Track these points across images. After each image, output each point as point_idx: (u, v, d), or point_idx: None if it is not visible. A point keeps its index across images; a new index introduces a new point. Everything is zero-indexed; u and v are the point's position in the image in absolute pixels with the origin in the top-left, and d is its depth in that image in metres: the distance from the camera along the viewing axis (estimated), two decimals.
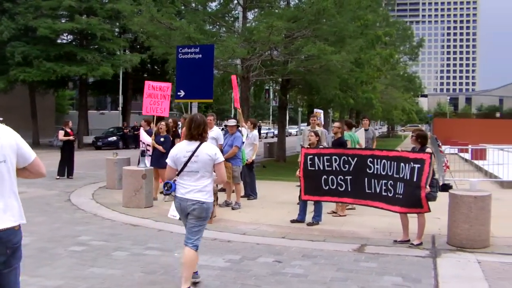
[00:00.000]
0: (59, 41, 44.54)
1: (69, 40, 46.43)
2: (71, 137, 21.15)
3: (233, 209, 13.78)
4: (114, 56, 43.23)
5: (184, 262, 6.97)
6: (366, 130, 16.87)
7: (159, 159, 14.98)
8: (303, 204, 12.10)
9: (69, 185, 18.62)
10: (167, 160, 7.35)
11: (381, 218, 12.27)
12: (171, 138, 15.41)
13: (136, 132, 17.31)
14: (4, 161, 4.05)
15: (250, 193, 15.60)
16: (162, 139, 15.10)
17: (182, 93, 14.33)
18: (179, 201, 7.06)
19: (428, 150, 10.14)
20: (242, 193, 15.01)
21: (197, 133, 7.04)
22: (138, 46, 47.76)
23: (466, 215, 9.68)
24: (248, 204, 14.40)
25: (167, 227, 11.58)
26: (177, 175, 7.12)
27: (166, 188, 7.15)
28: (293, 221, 12.05)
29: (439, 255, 9.33)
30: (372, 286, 7.50)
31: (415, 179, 9.62)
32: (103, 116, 66.57)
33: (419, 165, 9.62)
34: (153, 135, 15.43)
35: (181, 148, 7.13)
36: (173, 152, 7.23)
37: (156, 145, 15.03)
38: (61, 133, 20.77)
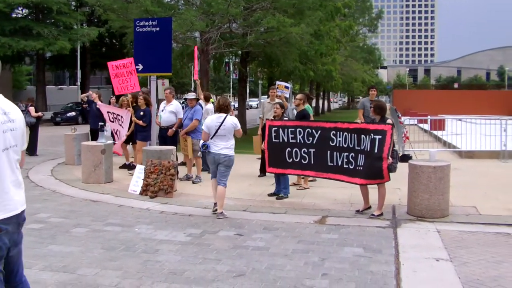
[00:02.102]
0: (14, 15, 43.66)
1: (25, 14, 45.59)
2: (41, 113, 20.84)
3: (193, 183, 13.71)
4: (71, 30, 42.59)
5: (218, 196, 10.19)
6: (372, 101, 14.99)
7: (139, 133, 14.90)
8: (276, 177, 12.10)
9: (27, 161, 18.26)
10: (203, 127, 10.59)
11: (342, 189, 12.32)
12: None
13: (97, 106, 17.02)
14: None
15: (207, 167, 15.58)
16: (141, 113, 14.92)
17: (140, 67, 14.15)
18: (213, 155, 10.20)
19: (389, 121, 10.18)
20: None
21: (224, 106, 10.39)
22: (96, 20, 47.18)
23: (426, 185, 9.76)
24: (209, 178, 14.28)
25: (128, 203, 11.46)
26: (211, 138, 10.17)
27: (203, 148, 10.28)
28: (270, 195, 12.02)
29: (400, 225, 9.41)
30: (333, 257, 7.51)
31: (376, 150, 9.65)
32: (62, 91, 65.76)
33: (380, 136, 9.66)
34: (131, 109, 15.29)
35: (213, 119, 10.30)
36: (207, 122, 10.41)
37: (136, 120, 14.86)
38: (32, 109, 20.35)
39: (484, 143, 18.81)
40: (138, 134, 15.11)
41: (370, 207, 10.28)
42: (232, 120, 10.30)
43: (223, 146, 10.13)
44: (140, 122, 14.78)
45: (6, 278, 4.29)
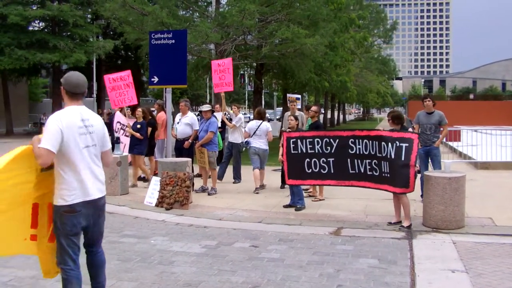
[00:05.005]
0: (30, 28, 44.03)
1: (41, 27, 45.91)
2: None
3: (209, 194, 13.75)
4: (87, 42, 42.84)
5: (260, 175, 14.27)
6: (429, 113, 12.67)
7: (136, 146, 14.96)
8: (291, 189, 12.09)
9: None
10: (246, 129, 14.88)
11: (357, 201, 12.34)
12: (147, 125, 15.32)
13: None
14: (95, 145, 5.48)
15: (235, 176, 15.75)
16: (138, 126, 14.99)
17: (155, 79, 14.19)
18: (254, 148, 14.26)
19: (410, 129, 10.25)
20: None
21: (261, 115, 14.79)
22: (111, 32, 47.39)
23: (441, 197, 9.74)
24: (224, 189, 14.37)
25: (143, 214, 11.52)
26: (251, 137, 14.34)
27: (246, 144, 14.50)
28: (286, 206, 12.03)
29: (415, 236, 9.39)
30: (348, 268, 7.51)
31: (403, 158, 9.61)
32: None
33: (407, 144, 9.61)
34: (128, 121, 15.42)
35: (253, 124, 14.53)
36: (249, 125, 14.62)
37: (133, 132, 14.92)
38: None
39: (500, 154, 18.75)
40: (135, 148, 15.14)
41: (400, 222, 10.21)
42: (265, 125, 14.53)
43: (260, 142, 14.31)
44: (138, 135, 14.81)
45: (87, 247, 5.68)
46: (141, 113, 15.23)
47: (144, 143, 15.10)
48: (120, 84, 15.14)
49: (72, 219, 5.22)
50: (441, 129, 12.53)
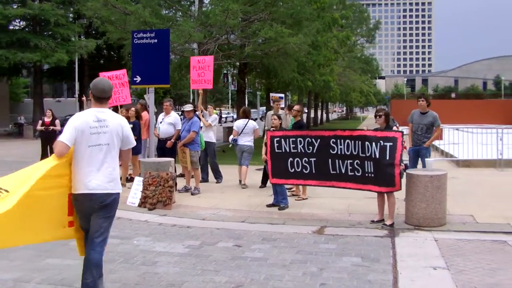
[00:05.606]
0: (11, 27, 43.62)
1: (22, 26, 45.52)
2: (42, 127, 20.84)
3: (192, 194, 13.72)
4: (69, 42, 42.47)
5: (242, 173, 14.83)
6: (423, 113, 12.57)
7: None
8: (273, 188, 12.10)
9: None
10: (234, 127, 15.44)
11: (340, 200, 12.36)
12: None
13: None
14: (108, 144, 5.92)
15: (216, 176, 15.91)
16: (131, 126, 14.91)
17: (138, 79, 14.12)
18: (240, 146, 14.89)
19: (395, 128, 10.26)
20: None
21: (246, 114, 15.40)
22: (94, 32, 47.08)
23: (423, 195, 9.79)
24: (208, 189, 14.35)
25: (126, 215, 11.44)
26: (239, 135, 14.86)
27: (234, 141, 14.97)
28: (269, 206, 12.03)
29: (397, 234, 9.43)
30: (332, 267, 7.53)
31: (387, 157, 9.63)
32: (60, 103, 65.50)
33: (391, 143, 9.63)
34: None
35: (240, 122, 15.17)
36: (237, 123, 15.35)
37: None
38: (39, 123, 20.88)
39: (481, 152, 18.85)
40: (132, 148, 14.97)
41: (383, 220, 10.26)
42: (252, 123, 15.24)
43: (246, 140, 14.92)
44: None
45: (87, 241, 6.01)
46: (133, 113, 15.18)
47: (138, 143, 15.05)
48: (115, 83, 15.11)
49: (76, 206, 5.88)
50: (434, 129, 12.50)
